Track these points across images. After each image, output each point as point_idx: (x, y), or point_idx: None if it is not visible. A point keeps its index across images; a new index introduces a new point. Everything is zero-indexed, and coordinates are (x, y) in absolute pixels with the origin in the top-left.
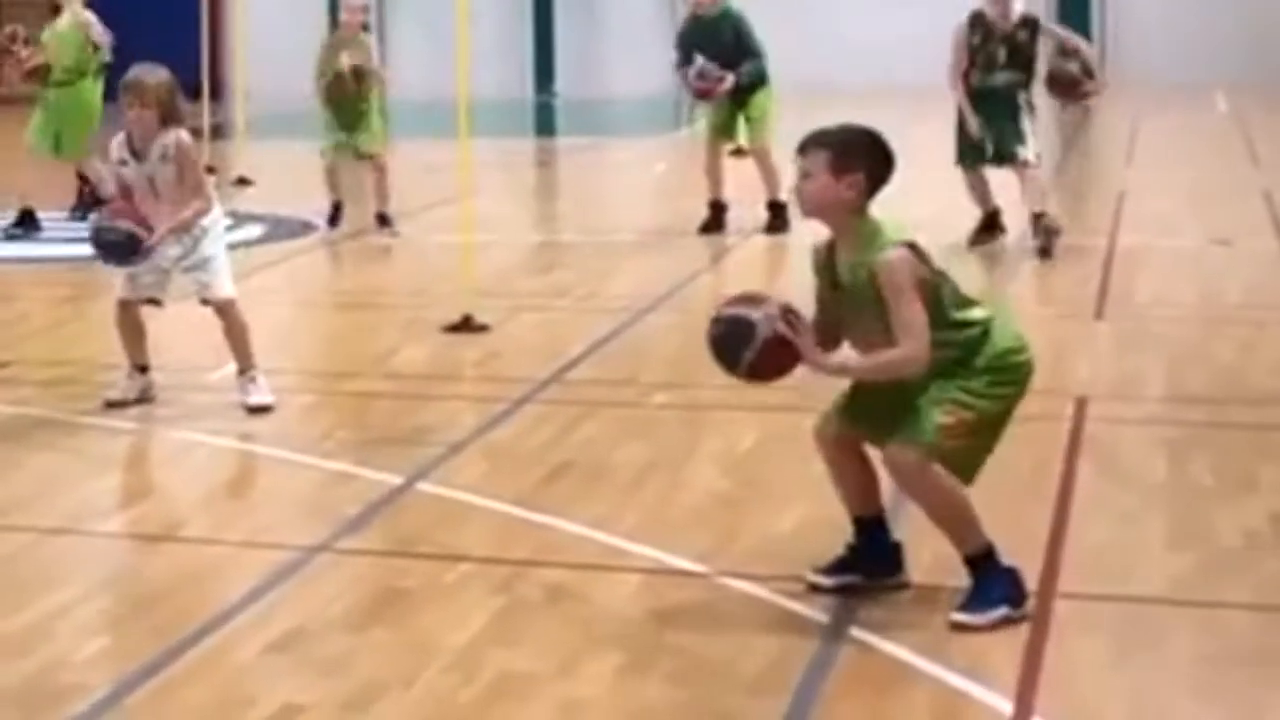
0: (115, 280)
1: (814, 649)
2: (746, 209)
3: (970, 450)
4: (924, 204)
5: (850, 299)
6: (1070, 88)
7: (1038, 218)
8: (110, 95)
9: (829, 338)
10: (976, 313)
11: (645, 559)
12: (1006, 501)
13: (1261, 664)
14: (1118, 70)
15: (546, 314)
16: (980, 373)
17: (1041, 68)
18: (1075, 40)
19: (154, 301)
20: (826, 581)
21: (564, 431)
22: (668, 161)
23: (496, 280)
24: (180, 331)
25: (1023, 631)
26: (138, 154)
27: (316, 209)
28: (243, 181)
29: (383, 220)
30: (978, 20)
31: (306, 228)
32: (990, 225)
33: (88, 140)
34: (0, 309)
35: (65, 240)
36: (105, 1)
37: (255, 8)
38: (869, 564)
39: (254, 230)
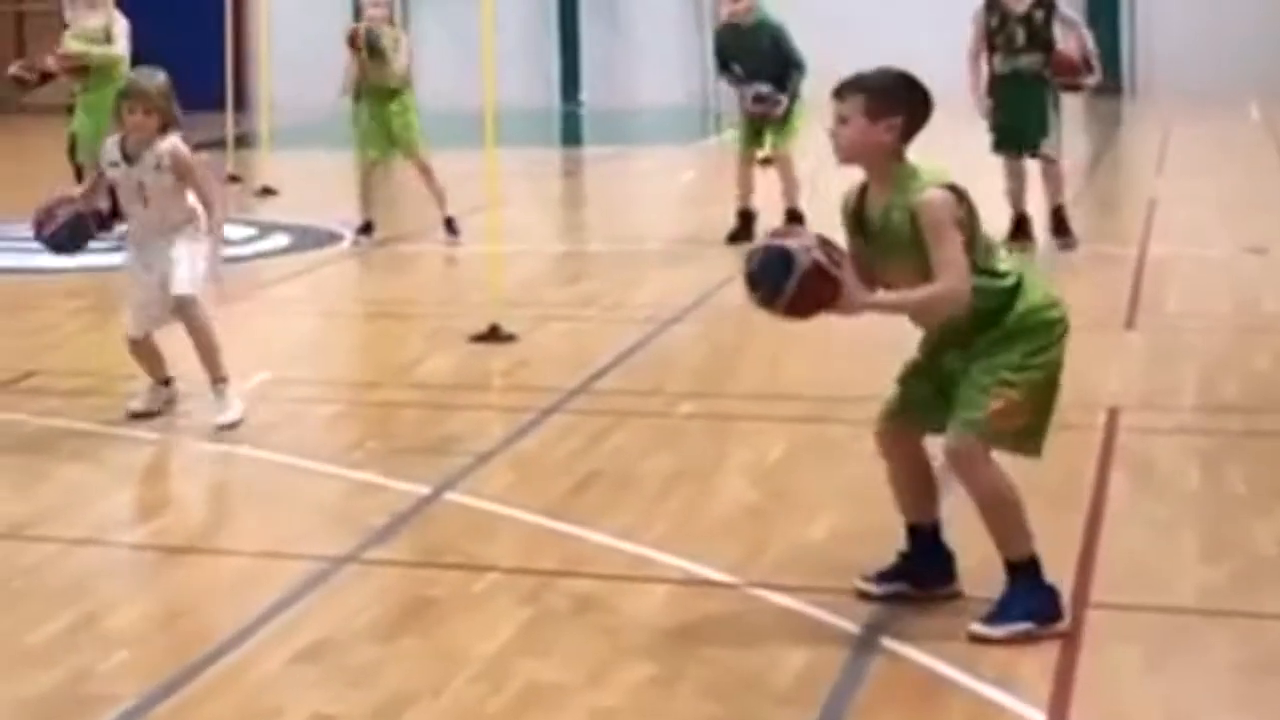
0: (124, 319)
1: (845, 660)
2: (775, 218)
3: (1029, 425)
4: None
5: (883, 245)
6: (1072, 71)
7: (1056, 211)
8: None
9: (865, 281)
10: (1007, 265)
11: (674, 569)
12: (1039, 511)
13: None
14: (1148, 78)
15: (573, 324)
16: (1014, 340)
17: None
18: (1083, 30)
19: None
20: (875, 589)
21: (591, 441)
22: (694, 170)
23: (523, 290)
24: None
25: (1056, 642)
26: (129, 158)
27: (342, 218)
28: (267, 191)
29: (449, 226)
30: (993, 3)
31: (332, 237)
32: (1018, 230)
33: None
34: (24, 319)
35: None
36: (130, 11)
37: (279, 18)
38: (920, 573)
39: (280, 240)
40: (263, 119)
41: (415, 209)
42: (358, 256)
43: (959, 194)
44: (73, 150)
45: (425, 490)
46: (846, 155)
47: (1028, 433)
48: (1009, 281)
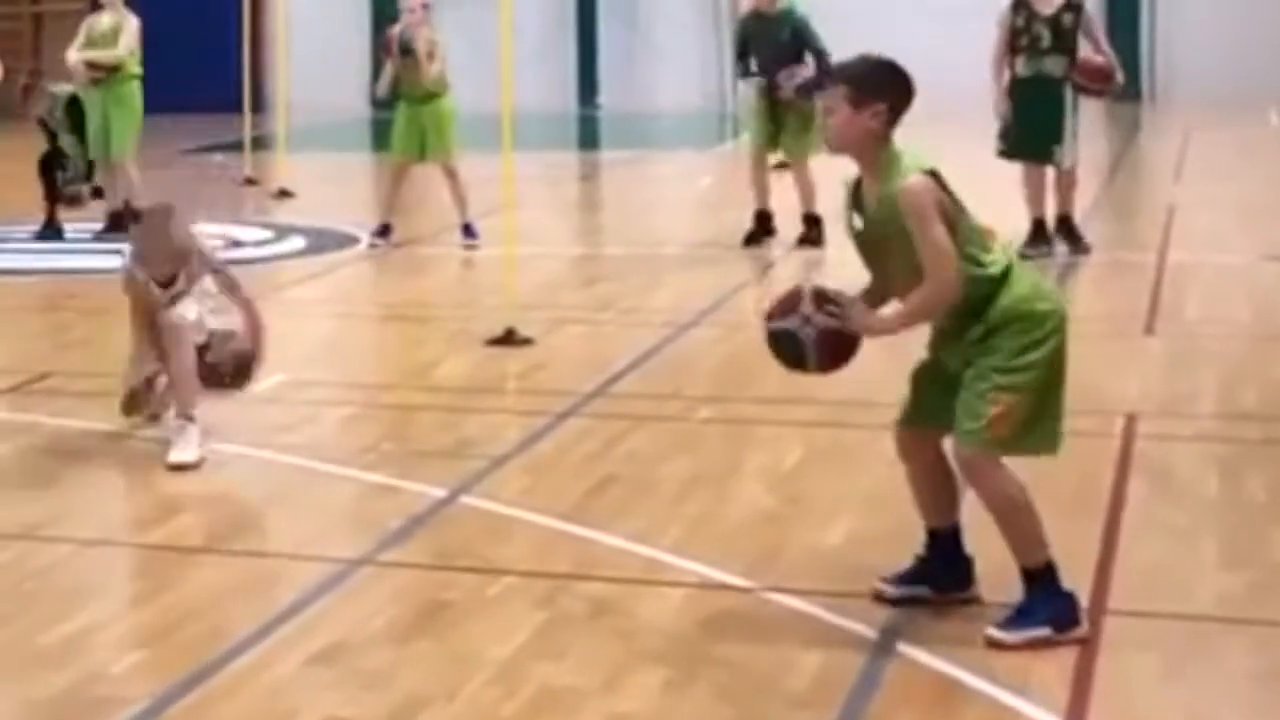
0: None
1: (861, 665)
2: (792, 223)
3: (1035, 424)
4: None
5: (880, 234)
6: (1096, 77)
7: (1063, 220)
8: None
9: (878, 290)
10: (992, 254)
11: (689, 573)
12: (1056, 518)
13: None
14: (1168, 84)
15: (590, 327)
16: (999, 335)
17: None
18: (1105, 45)
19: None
20: (892, 591)
21: (607, 445)
22: (712, 175)
23: (540, 293)
24: None
25: (1073, 649)
26: None
27: (357, 221)
28: (284, 193)
29: (468, 231)
30: (1020, 2)
31: (349, 240)
32: (1036, 236)
33: (134, 140)
34: (40, 320)
35: (103, 252)
36: (147, 16)
37: (296, 20)
38: (938, 577)
39: (296, 242)
40: (280, 121)
41: (433, 212)
42: (374, 259)
43: (939, 179)
44: (46, 165)
45: (441, 493)
46: (836, 146)
47: (1037, 433)
48: (992, 270)
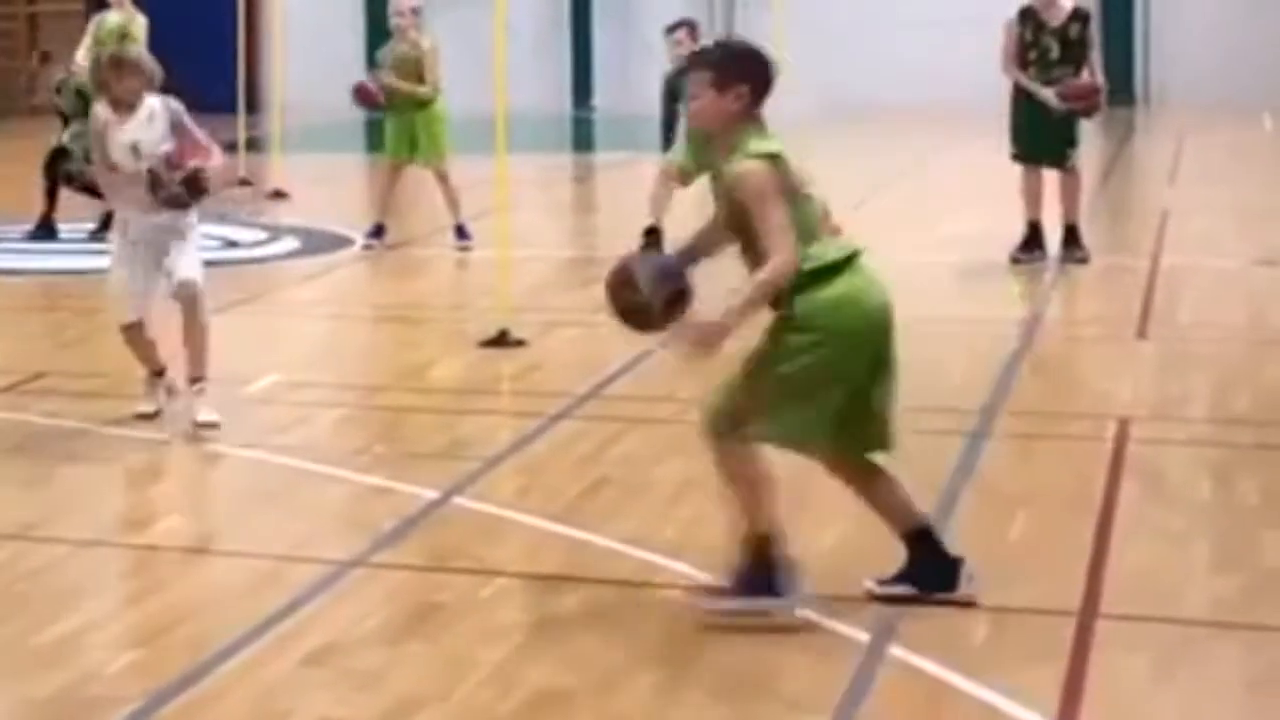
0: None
1: (854, 668)
2: None
3: (787, 415)
4: (969, 221)
5: (723, 204)
6: (1082, 95)
7: (1070, 229)
8: None
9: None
10: (815, 250)
11: (682, 576)
12: (1049, 521)
13: None
14: (1162, 89)
15: (584, 329)
16: (789, 330)
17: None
18: (1098, 63)
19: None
20: (879, 589)
21: (601, 447)
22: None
23: (533, 295)
24: (215, 344)
25: (1065, 652)
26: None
27: (352, 222)
28: (278, 194)
29: (460, 232)
30: (1027, 14)
31: (343, 241)
32: (1031, 240)
33: None
34: (35, 321)
35: (97, 253)
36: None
37: (291, 22)
38: (924, 579)
39: (290, 243)
40: (274, 122)
41: (426, 213)
42: (368, 260)
43: (781, 165)
44: (51, 163)
45: (434, 494)
46: (698, 122)
47: (798, 425)
48: (806, 265)
